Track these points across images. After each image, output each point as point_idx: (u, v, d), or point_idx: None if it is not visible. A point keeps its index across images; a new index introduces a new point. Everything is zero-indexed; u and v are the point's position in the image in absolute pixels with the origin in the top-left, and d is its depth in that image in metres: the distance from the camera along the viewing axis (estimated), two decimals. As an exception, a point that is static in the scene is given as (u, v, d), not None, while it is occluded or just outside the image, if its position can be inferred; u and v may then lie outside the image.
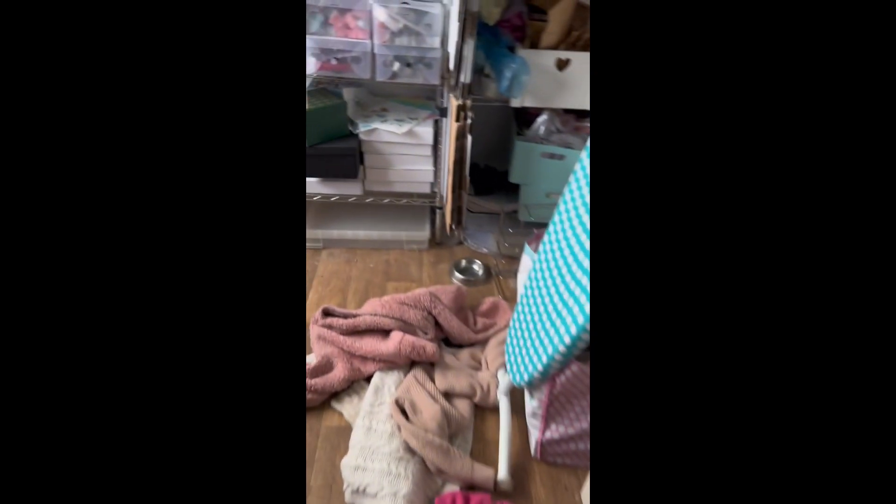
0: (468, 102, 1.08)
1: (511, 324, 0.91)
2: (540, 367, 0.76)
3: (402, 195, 1.42)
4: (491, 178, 1.53)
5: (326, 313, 1.10)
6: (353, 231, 1.42)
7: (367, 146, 1.29)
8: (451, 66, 1.07)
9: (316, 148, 1.22)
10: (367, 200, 1.40)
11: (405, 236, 1.44)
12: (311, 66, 1.12)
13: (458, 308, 1.17)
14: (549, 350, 0.74)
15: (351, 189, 1.37)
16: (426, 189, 1.41)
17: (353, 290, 1.31)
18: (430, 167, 1.35)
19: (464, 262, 1.41)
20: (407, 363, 1.03)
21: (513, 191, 1.43)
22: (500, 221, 1.44)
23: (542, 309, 0.79)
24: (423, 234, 1.44)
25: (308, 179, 1.32)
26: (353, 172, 1.29)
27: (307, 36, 1.09)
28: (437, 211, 1.44)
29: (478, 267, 1.39)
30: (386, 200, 1.41)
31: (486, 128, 1.50)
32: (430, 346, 1.01)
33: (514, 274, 1.37)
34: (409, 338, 1.01)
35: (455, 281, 1.35)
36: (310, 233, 1.42)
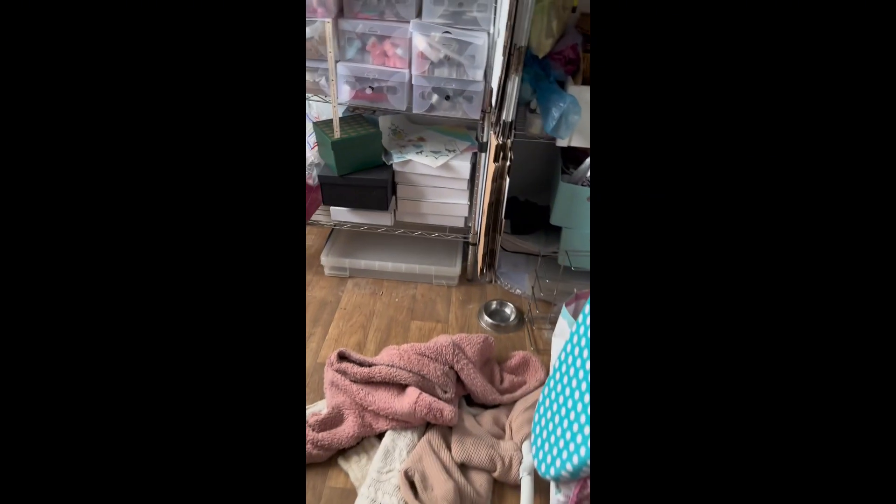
0: (509, 142, 0.98)
1: (541, 401, 0.81)
2: (570, 468, 0.66)
3: (433, 228, 1.34)
4: (530, 215, 1.43)
5: (342, 357, 1.04)
6: (380, 262, 1.36)
7: (401, 177, 1.22)
8: (493, 102, 0.98)
9: (347, 178, 1.17)
10: (398, 232, 1.34)
11: (434, 271, 1.36)
12: (345, 94, 1.07)
13: (484, 361, 1.08)
14: (582, 453, 0.63)
15: (381, 219, 1.30)
16: (460, 223, 1.32)
17: (374, 327, 1.24)
18: (465, 201, 1.26)
19: (494, 304, 1.31)
20: (422, 424, 0.94)
21: (553, 231, 1.32)
22: (536, 265, 1.33)
23: (576, 398, 0.68)
24: (454, 269, 1.35)
25: (337, 208, 1.27)
26: (384, 205, 1.22)
27: (342, 63, 1.04)
28: (470, 246, 1.35)
29: (510, 311, 1.29)
30: (417, 233, 1.34)
31: (528, 159, 1.40)
32: (448, 410, 0.92)
33: (549, 322, 1.26)
34: (426, 398, 0.92)
35: (483, 325, 1.25)
36: (336, 261, 1.36)
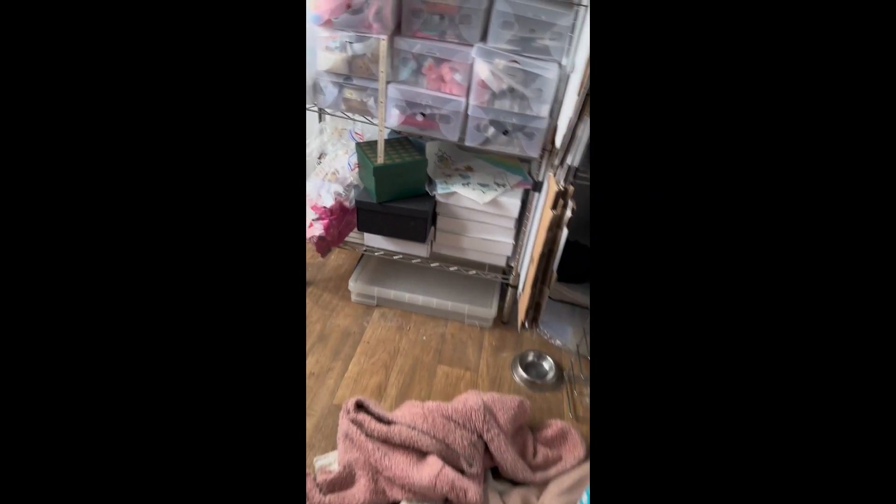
0: (571, 189, 0.86)
1: (585, 502, 0.68)
2: None
3: (472, 265, 1.24)
4: (577, 258, 1.29)
5: (360, 406, 0.94)
6: (411, 294, 1.26)
7: (443, 208, 1.12)
8: (559, 142, 0.87)
9: (386, 205, 1.07)
10: (433, 265, 1.23)
11: (468, 310, 1.25)
12: (394, 118, 0.97)
13: (517, 429, 0.96)
14: None
15: (417, 250, 1.20)
16: (501, 262, 1.21)
17: (398, 368, 1.14)
18: (510, 240, 1.15)
19: (531, 356, 1.19)
20: (441, 500, 0.83)
21: (605, 283, 1.18)
22: (585, 321, 1.20)
23: None
24: (489, 311, 1.24)
25: (372, 234, 1.18)
26: (422, 237, 1.12)
27: (394, 85, 0.94)
28: (510, 289, 1.23)
29: (548, 366, 1.16)
30: (453, 268, 1.23)
31: (579, 195, 1.27)
32: (473, 491, 0.80)
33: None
34: (449, 473, 0.81)
35: (517, 379, 1.13)
36: (364, 288, 1.28)
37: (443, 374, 1.13)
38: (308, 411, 1.01)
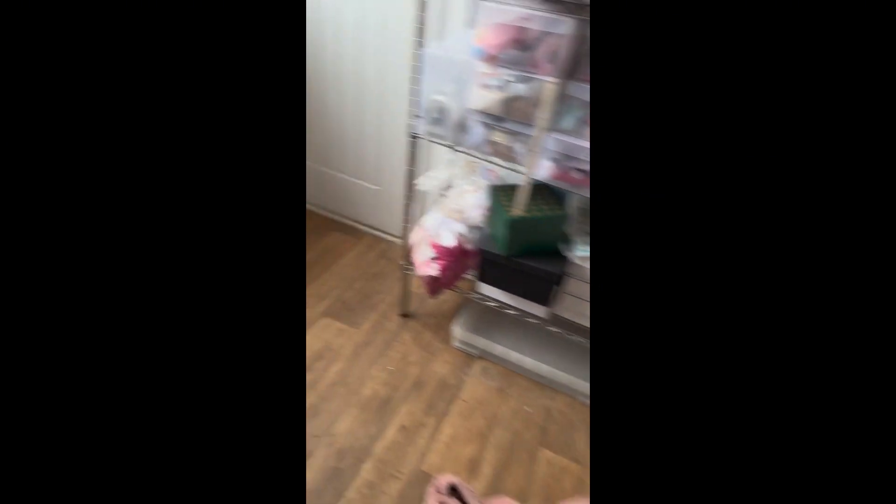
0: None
1: None
2: None
3: (597, 337, 1.07)
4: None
5: (453, 490, 0.83)
6: (519, 354, 1.12)
7: (576, 270, 0.97)
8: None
9: (513, 260, 0.95)
10: (551, 328, 1.09)
11: (582, 387, 1.09)
12: (545, 170, 0.84)
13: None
14: None
15: (535, 308, 1.07)
16: (633, 341, 1.02)
17: (495, 441, 1.01)
18: (650, 321, 0.96)
19: (654, 462, 0.99)
20: None
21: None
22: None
23: None
24: (608, 393, 1.06)
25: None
26: (545, 300, 0.98)
27: (548, 133, 0.81)
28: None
29: (674, 481, 0.96)
30: (574, 337, 1.07)
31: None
32: None
33: None
34: None
35: (634, 487, 0.94)
36: (468, 337, 1.17)
37: (545, 461, 0.98)
38: (395, 472, 0.93)
